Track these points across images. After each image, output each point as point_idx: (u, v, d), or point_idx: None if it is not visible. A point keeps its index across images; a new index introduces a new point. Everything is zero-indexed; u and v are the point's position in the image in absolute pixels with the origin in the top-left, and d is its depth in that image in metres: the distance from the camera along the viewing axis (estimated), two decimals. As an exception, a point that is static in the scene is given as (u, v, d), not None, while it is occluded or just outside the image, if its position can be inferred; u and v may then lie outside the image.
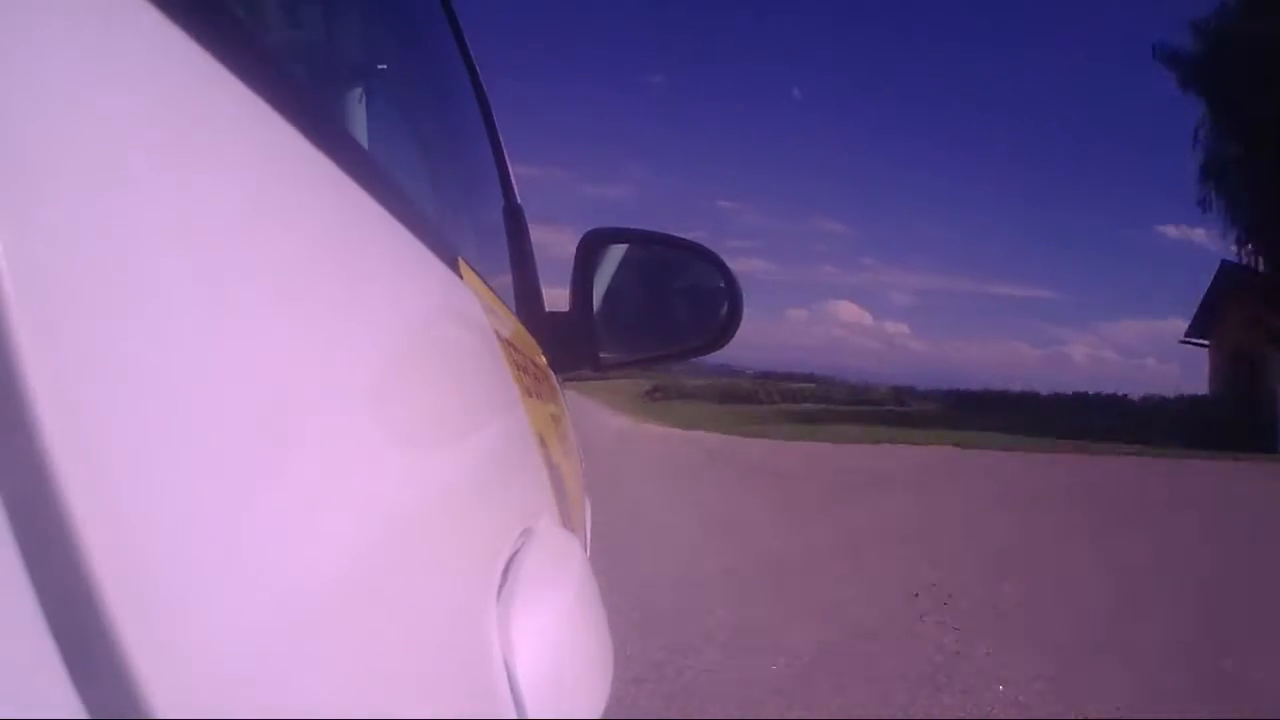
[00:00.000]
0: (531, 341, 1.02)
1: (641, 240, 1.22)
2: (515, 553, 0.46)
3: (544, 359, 1.09)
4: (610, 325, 1.18)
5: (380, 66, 1.07)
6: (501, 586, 0.41)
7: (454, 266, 0.62)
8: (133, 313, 0.19)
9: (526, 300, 1.16)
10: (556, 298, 1.19)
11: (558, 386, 1.22)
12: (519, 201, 1.29)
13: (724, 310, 1.18)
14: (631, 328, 1.23)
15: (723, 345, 1.19)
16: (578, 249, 1.14)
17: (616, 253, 1.19)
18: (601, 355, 1.16)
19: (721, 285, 1.18)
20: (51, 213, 0.18)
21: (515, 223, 1.26)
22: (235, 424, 0.22)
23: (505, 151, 1.31)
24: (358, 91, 1.04)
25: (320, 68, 1.02)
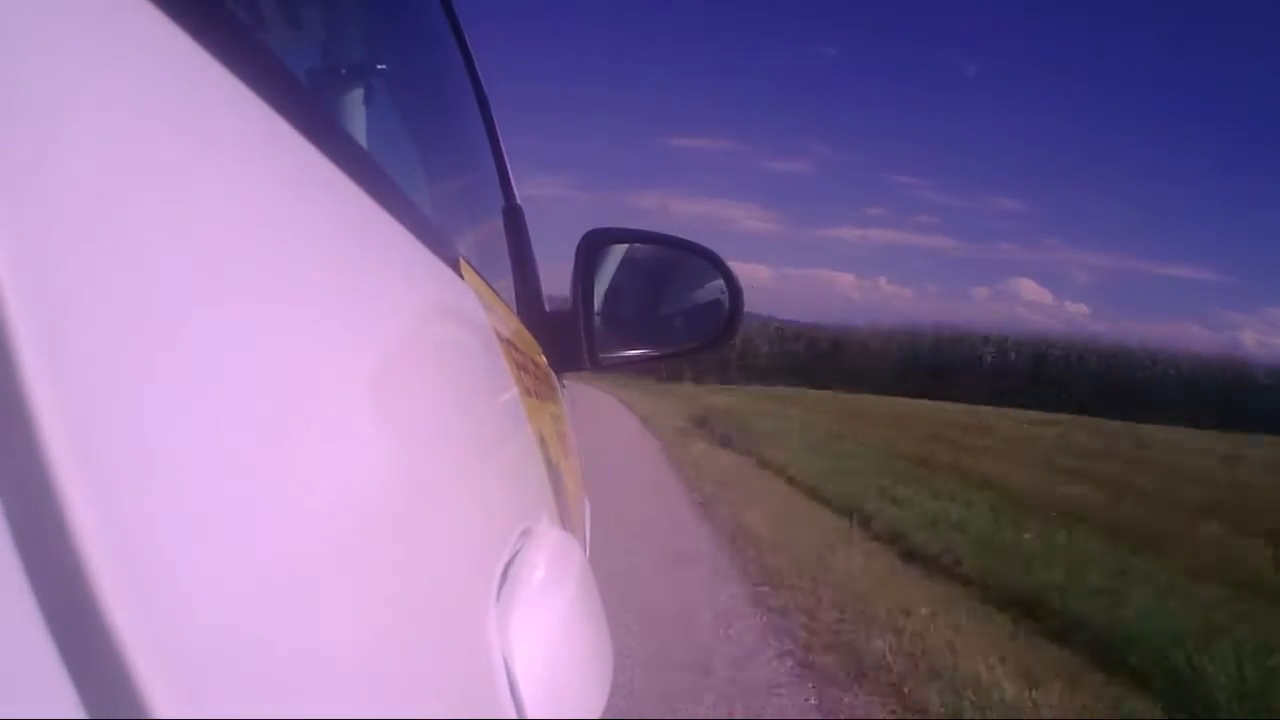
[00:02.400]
0: (532, 341, 1.02)
1: (642, 240, 1.22)
2: (515, 553, 0.46)
3: (544, 359, 1.09)
4: (611, 325, 1.18)
5: (380, 67, 1.07)
6: (501, 587, 0.41)
7: (455, 266, 0.62)
8: (132, 313, 0.19)
9: (527, 300, 1.16)
10: (557, 298, 1.19)
11: (558, 386, 1.22)
12: (519, 201, 1.29)
13: (725, 309, 1.18)
14: (632, 327, 1.23)
15: (724, 344, 1.20)
16: (578, 249, 1.14)
17: (617, 252, 1.19)
18: (602, 355, 1.16)
19: (722, 284, 1.18)
20: (51, 213, 0.18)
21: (515, 222, 1.26)
22: (235, 425, 0.22)
23: (505, 151, 1.31)
24: (358, 92, 1.04)
25: (320, 68, 1.02)
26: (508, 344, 0.74)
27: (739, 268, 1.20)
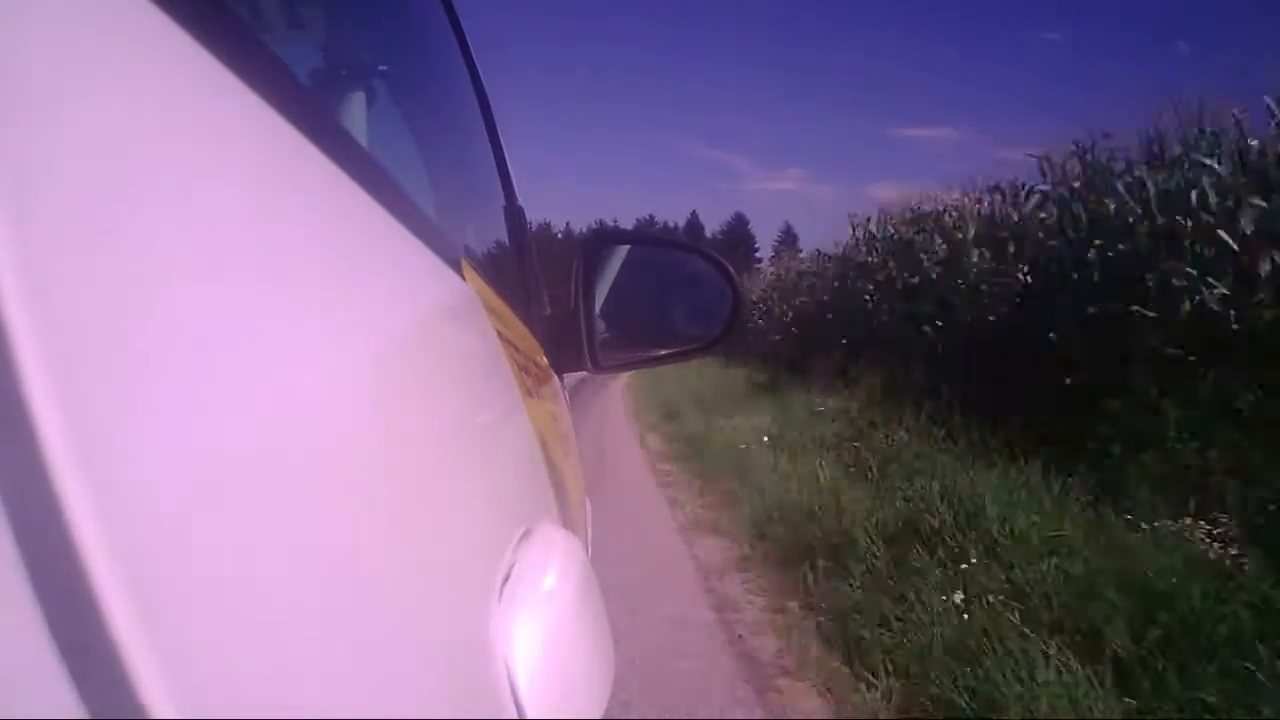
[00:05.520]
0: (533, 342, 1.02)
1: (643, 242, 1.23)
2: (516, 554, 0.46)
3: (545, 359, 1.09)
4: (612, 326, 1.18)
5: (381, 67, 1.07)
6: (502, 588, 0.41)
7: (456, 267, 0.62)
8: (133, 313, 0.19)
9: (528, 301, 1.16)
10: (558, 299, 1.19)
11: (559, 387, 1.23)
12: (520, 202, 1.29)
13: (725, 310, 1.19)
14: (633, 328, 1.24)
15: (724, 345, 1.21)
16: (579, 250, 1.15)
17: (619, 254, 1.19)
18: (603, 356, 1.16)
19: (723, 285, 1.18)
20: (52, 213, 0.18)
21: (517, 223, 1.26)
22: (236, 425, 0.22)
23: (506, 151, 1.31)
24: (359, 93, 1.04)
25: (321, 68, 1.03)
26: (509, 344, 0.74)
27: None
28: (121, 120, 0.21)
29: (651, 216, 73.40)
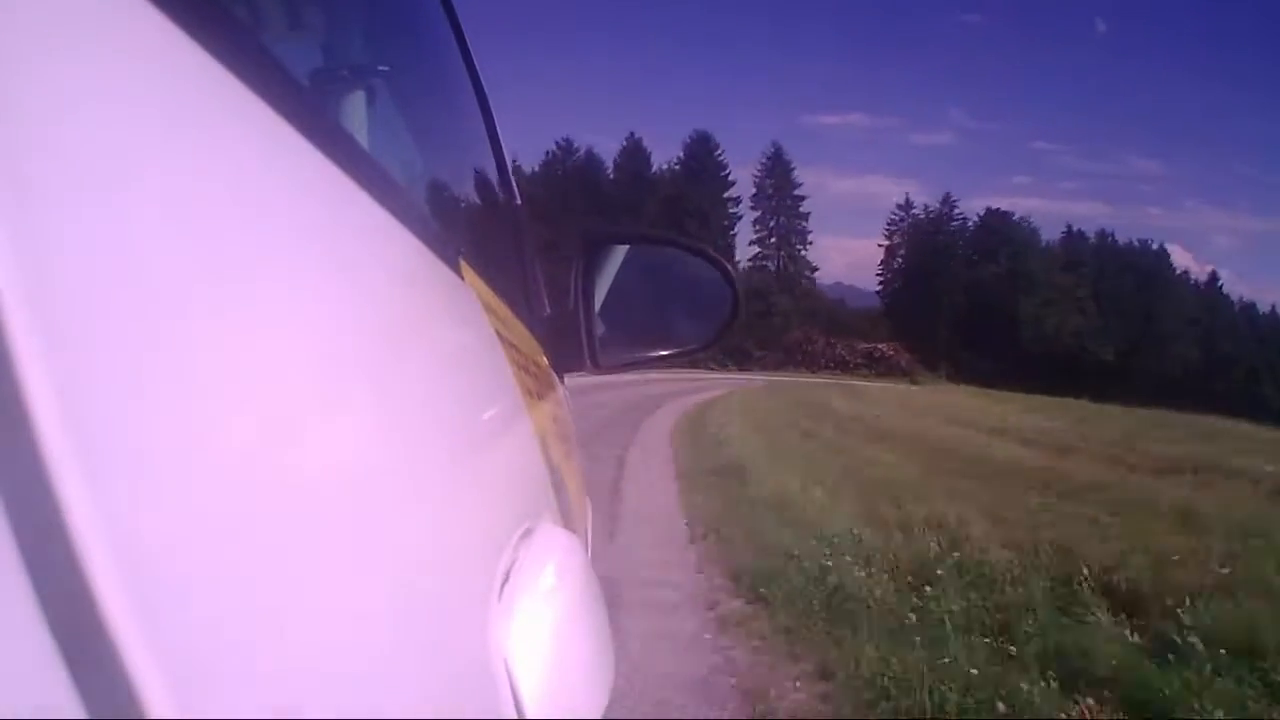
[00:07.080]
0: (532, 342, 1.02)
1: (643, 240, 1.23)
2: (516, 553, 0.46)
3: (545, 359, 1.09)
4: (611, 325, 1.18)
5: (381, 68, 1.07)
6: (502, 587, 0.41)
7: (455, 267, 0.62)
8: (133, 313, 0.19)
9: (527, 300, 1.16)
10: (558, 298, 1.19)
11: (559, 387, 1.23)
12: (519, 201, 1.29)
13: (725, 309, 1.19)
14: (633, 327, 1.24)
15: (723, 343, 1.21)
16: (578, 249, 1.14)
17: (618, 253, 1.19)
18: (603, 356, 1.16)
19: (722, 284, 1.18)
20: (52, 213, 0.18)
21: (516, 222, 1.26)
22: (235, 425, 0.22)
23: (505, 150, 1.31)
24: (358, 92, 1.04)
25: (320, 68, 1.03)
26: (508, 345, 0.74)
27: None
28: (121, 121, 0.21)
29: (569, 140, 52.88)
